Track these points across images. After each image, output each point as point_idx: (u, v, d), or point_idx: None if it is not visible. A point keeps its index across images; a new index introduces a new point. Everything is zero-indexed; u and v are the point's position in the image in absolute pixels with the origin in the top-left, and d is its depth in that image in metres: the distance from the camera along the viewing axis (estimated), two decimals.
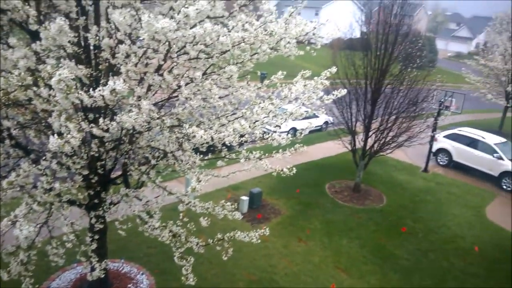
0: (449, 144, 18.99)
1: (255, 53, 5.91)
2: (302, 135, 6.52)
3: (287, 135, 6.31)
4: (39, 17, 4.16)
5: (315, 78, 6.39)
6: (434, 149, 18.71)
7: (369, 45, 14.18)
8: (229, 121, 5.99)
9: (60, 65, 4.39)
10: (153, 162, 6.43)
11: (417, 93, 14.25)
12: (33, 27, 3.87)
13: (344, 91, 6.72)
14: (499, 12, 28.76)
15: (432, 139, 17.71)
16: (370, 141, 14.18)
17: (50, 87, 4.27)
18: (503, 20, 27.61)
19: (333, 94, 6.67)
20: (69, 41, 4.01)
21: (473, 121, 27.53)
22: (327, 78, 6.42)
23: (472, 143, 18.32)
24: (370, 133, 14.12)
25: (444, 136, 19.36)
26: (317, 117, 20.72)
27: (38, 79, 3.97)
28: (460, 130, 19.32)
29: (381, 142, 13.84)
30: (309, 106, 6.60)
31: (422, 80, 14.50)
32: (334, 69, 6.22)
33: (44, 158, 5.08)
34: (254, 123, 6.04)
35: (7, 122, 4.83)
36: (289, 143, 6.34)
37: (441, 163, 19.26)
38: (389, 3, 14.12)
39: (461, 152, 18.54)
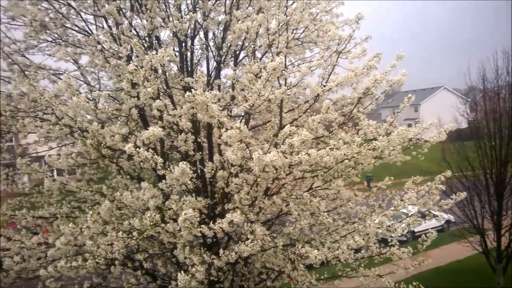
0: None
1: (359, 163, 5.93)
2: (424, 246, 6.01)
3: (407, 247, 5.83)
4: (165, 163, 4.82)
5: (428, 183, 6.10)
6: None
7: (480, 135, 13.28)
8: (341, 236, 5.84)
9: (182, 199, 4.89)
10: (268, 283, 6.40)
11: None
12: (160, 172, 4.49)
13: (463, 194, 6.24)
14: None
15: None
16: (504, 240, 12.38)
17: (174, 220, 4.73)
18: None
19: (452, 198, 6.25)
20: (190, 179, 4.51)
21: None
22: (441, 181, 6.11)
23: None
24: (503, 231, 12.41)
25: None
26: (437, 217, 19.03)
27: (165, 217, 4.45)
28: None
29: None
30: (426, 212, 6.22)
31: None
32: (448, 173, 5.90)
33: (170, 286, 5.40)
34: (367, 235, 5.81)
35: (139, 256, 5.37)
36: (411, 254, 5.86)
37: None
38: (494, 88, 13.43)
39: None
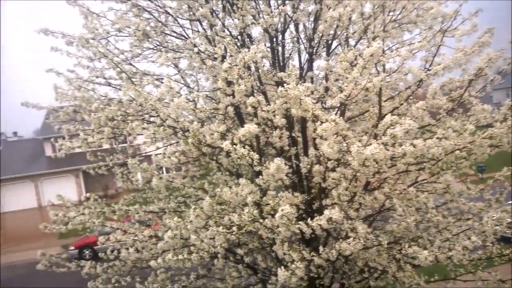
0: None
1: (472, 154, 5.33)
2: None
3: None
4: (261, 159, 4.84)
5: None
6: None
7: None
8: (453, 235, 5.30)
9: (279, 195, 4.87)
10: (371, 282, 6.10)
11: None
12: (257, 168, 4.52)
13: None
14: None
15: None
16: None
17: (272, 216, 4.73)
18: None
19: None
20: (286, 174, 4.47)
21: None
22: None
23: None
24: None
25: None
26: None
27: (263, 213, 4.46)
28: None
29: None
30: None
31: None
32: None
33: (269, 282, 5.44)
34: (483, 232, 5.19)
35: (240, 250, 5.50)
36: None
37: None
38: None
39: None
